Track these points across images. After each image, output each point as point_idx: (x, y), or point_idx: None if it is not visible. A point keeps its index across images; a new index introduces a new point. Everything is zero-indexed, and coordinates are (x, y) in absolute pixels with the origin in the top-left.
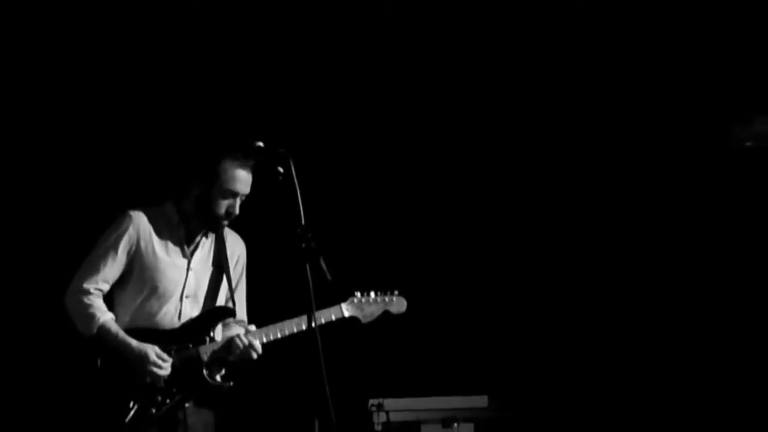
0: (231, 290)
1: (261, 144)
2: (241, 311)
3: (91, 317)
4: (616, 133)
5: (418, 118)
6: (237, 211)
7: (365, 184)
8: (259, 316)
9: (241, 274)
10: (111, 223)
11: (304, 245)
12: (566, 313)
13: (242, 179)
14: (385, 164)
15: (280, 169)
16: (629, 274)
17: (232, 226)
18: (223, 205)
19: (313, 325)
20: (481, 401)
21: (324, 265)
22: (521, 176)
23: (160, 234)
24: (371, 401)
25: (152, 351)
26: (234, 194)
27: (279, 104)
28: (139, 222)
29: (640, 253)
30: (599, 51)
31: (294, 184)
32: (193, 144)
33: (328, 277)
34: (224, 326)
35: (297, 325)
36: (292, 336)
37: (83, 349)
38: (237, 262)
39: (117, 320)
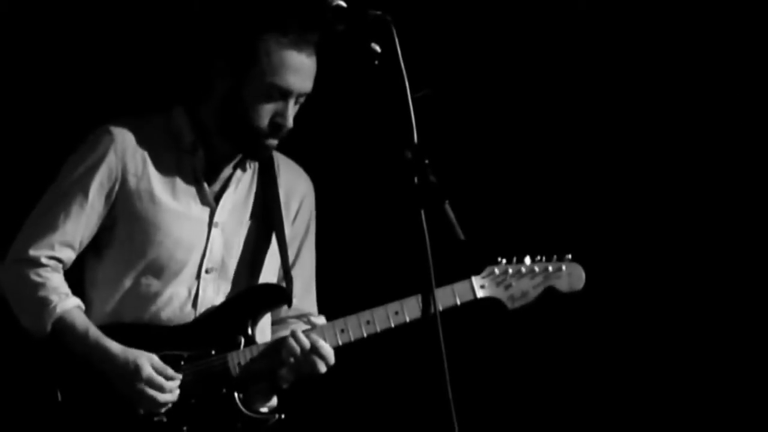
0: (286, 260)
1: (340, 2)
2: (303, 296)
3: (43, 304)
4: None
5: None
6: (290, 122)
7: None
8: (335, 301)
9: (306, 232)
10: (78, 145)
11: (417, 179)
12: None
13: (298, 67)
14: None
15: (376, 47)
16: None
17: (290, 152)
18: (267, 110)
19: (433, 310)
20: None
21: (451, 214)
22: None
23: (162, 164)
24: None
25: (146, 361)
26: (285, 92)
27: None
28: (126, 144)
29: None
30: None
31: (402, 72)
32: (213, 8)
33: (459, 233)
34: (273, 323)
35: (397, 313)
36: (387, 333)
37: (32, 365)
38: (298, 212)
39: (89, 310)
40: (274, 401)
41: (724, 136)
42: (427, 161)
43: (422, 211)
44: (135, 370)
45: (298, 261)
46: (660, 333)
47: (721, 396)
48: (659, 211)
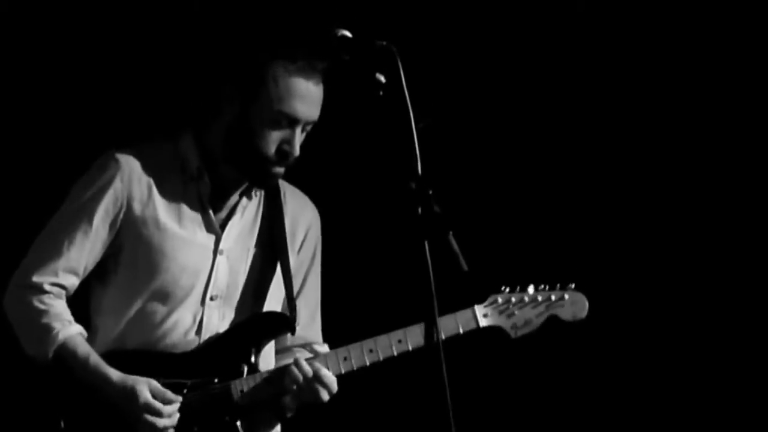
0: (290, 288)
1: (345, 33)
2: (309, 325)
3: (46, 331)
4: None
5: None
6: (297, 150)
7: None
8: (339, 330)
9: (312, 261)
10: (84, 170)
11: (421, 210)
12: None
13: (305, 94)
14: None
15: (381, 78)
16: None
17: (295, 181)
18: (274, 138)
19: (436, 338)
20: None
21: (455, 245)
22: None
23: (168, 190)
24: None
25: (145, 388)
26: (292, 120)
27: None
28: (132, 171)
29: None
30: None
31: (406, 103)
32: (222, 35)
33: (462, 263)
34: (277, 353)
35: (400, 342)
36: (389, 361)
37: (36, 392)
38: (304, 241)
39: (94, 337)
40: (278, 430)
41: (724, 139)
42: (431, 192)
43: (426, 242)
44: (132, 396)
45: (303, 290)
46: (662, 362)
47: (719, 410)
48: (663, 241)
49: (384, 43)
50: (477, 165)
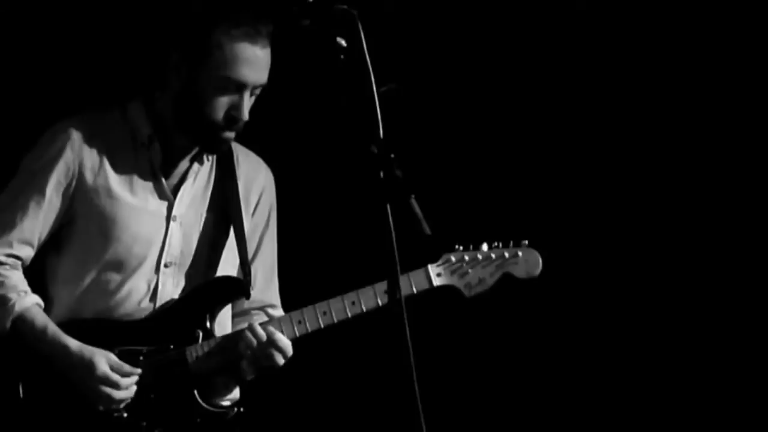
0: (244, 252)
1: None
2: (265, 288)
3: (2, 302)
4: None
5: None
6: (246, 115)
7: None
8: (298, 295)
9: (266, 224)
10: (33, 144)
11: (383, 174)
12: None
13: (252, 59)
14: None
15: (342, 42)
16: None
17: (255, 146)
18: (222, 104)
19: (398, 296)
20: None
21: (417, 208)
22: None
23: (119, 159)
24: None
25: (102, 358)
26: (239, 85)
27: None
28: (82, 140)
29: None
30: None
31: (367, 67)
32: (167, 2)
33: (425, 227)
34: (234, 316)
35: (354, 304)
36: (344, 324)
37: None
38: (258, 204)
39: (50, 307)
40: (237, 394)
41: (720, 135)
42: (392, 155)
43: (388, 206)
44: (90, 368)
45: (259, 253)
46: (624, 318)
47: (705, 387)
48: (617, 195)
49: (344, 7)
50: (437, 127)
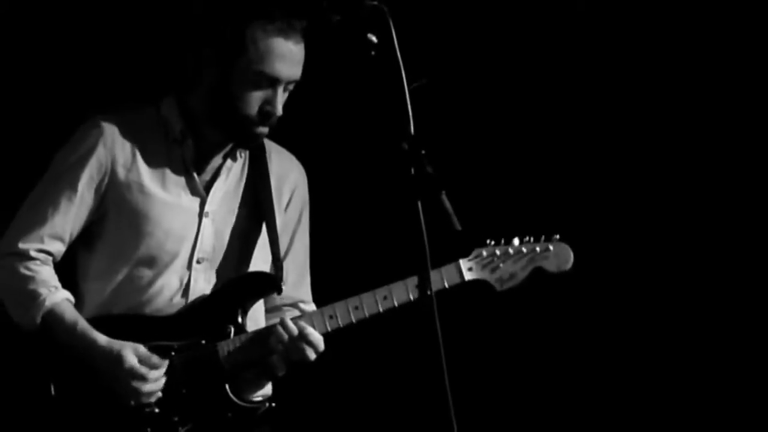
0: (276, 248)
1: None
2: (297, 284)
3: (33, 297)
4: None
5: None
6: (279, 109)
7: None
8: (330, 290)
9: (299, 220)
10: (67, 138)
11: (414, 170)
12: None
13: (285, 54)
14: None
15: (372, 38)
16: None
17: (287, 142)
18: (256, 98)
19: (429, 292)
20: None
21: (448, 204)
22: None
23: (151, 155)
24: None
25: (130, 351)
26: (272, 80)
27: None
28: (115, 136)
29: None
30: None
31: (398, 63)
32: None
33: (455, 223)
34: (267, 311)
35: (386, 298)
36: (376, 318)
37: (26, 359)
38: (290, 201)
39: (82, 303)
40: (268, 389)
41: (721, 135)
42: (423, 152)
43: (419, 202)
44: (118, 361)
45: (291, 249)
46: (650, 317)
47: (711, 386)
48: (647, 192)
49: (375, 2)
50: (468, 123)
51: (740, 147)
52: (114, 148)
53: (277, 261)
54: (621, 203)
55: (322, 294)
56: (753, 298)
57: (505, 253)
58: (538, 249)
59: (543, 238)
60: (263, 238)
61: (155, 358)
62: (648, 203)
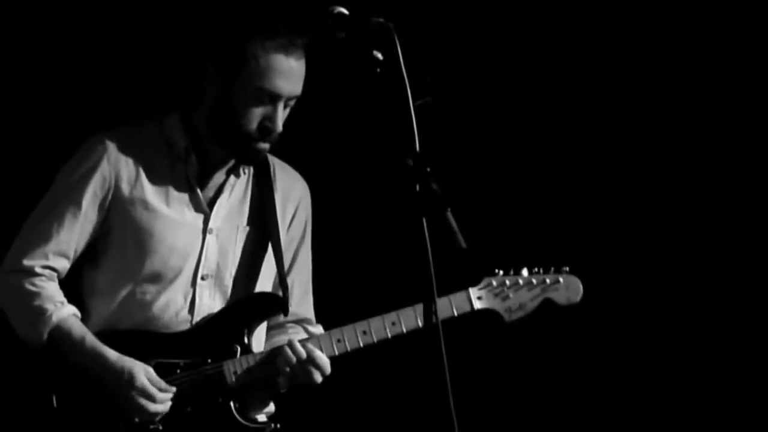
0: (281, 265)
1: (342, 10)
2: (300, 301)
3: (39, 313)
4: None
5: None
6: (280, 126)
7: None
8: (333, 309)
9: (302, 237)
10: (71, 154)
11: (419, 187)
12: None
13: (286, 70)
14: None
15: (378, 55)
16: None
17: (291, 159)
18: (257, 115)
19: (435, 321)
20: None
21: (453, 222)
22: None
23: (155, 171)
24: None
25: (141, 370)
26: (273, 96)
27: None
28: (119, 153)
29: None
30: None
31: (404, 80)
32: (203, 14)
33: (460, 241)
34: (270, 329)
35: (394, 324)
36: (383, 344)
37: (29, 371)
38: (294, 217)
39: (87, 319)
40: (272, 408)
41: (724, 140)
42: (428, 169)
43: (424, 219)
44: (129, 379)
45: (294, 266)
46: (658, 344)
47: (718, 406)
48: (659, 224)
49: (381, 20)
50: (475, 143)
51: (742, 151)
52: (118, 165)
53: (283, 279)
54: (631, 230)
55: (328, 313)
56: (756, 314)
57: (515, 284)
58: (548, 281)
59: (552, 269)
60: (268, 255)
61: (164, 383)
62: (661, 230)
